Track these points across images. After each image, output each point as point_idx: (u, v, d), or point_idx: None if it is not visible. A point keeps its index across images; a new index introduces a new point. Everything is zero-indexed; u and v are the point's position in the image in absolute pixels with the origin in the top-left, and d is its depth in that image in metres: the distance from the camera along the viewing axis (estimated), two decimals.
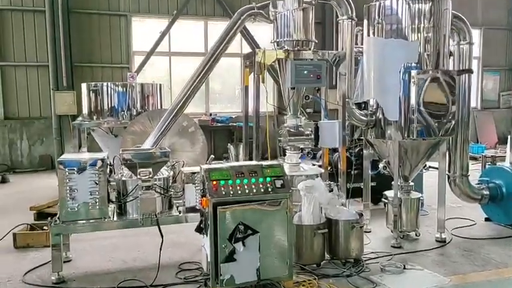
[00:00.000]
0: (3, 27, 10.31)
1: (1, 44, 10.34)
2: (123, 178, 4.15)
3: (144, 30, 11.45)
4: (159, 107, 7.76)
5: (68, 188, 3.83)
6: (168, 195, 4.22)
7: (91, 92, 7.43)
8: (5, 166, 10.42)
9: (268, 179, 3.59)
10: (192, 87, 4.90)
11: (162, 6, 11.27)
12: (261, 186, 3.55)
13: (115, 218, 4.11)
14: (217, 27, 11.90)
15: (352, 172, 5.20)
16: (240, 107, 12.39)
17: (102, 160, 3.92)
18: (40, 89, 10.68)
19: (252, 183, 3.54)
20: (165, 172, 4.29)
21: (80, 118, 7.92)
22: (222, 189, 3.46)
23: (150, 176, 3.95)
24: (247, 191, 3.49)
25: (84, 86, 7.59)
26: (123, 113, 7.44)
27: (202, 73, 4.86)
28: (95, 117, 7.44)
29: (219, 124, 11.51)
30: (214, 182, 3.47)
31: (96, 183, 3.89)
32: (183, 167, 4.59)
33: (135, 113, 7.36)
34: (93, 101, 7.43)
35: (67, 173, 3.83)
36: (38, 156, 10.74)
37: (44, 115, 10.73)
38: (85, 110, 7.60)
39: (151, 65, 11.47)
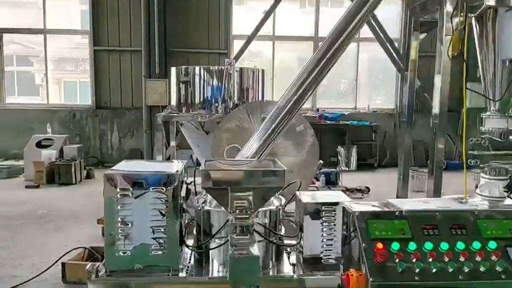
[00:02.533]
0: (97, 9, 9.60)
1: (95, 26, 9.64)
2: (206, 207, 2.56)
3: (245, 13, 10.05)
4: (259, 99, 6.31)
5: (119, 219, 2.34)
6: (277, 242, 2.54)
7: (181, 79, 6.17)
8: (95, 159, 9.76)
9: (492, 243, 1.74)
10: (315, 72, 3.13)
11: None
12: (477, 258, 1.70)
13: (191, 271, 2.54)
14: (330, 9, 10.09)
15: None
16: (352, 102, 10.51)
17: (174, 177, 2.37)
18: (133, 76, 9.84)
19: (459, 250, 1.71)
20: (275, 201, 2.61)
21: (167, 109, 6.71)
22: (396, 260, 1.68)
23: (250, 210, 2.29)
24: (450, 269, 1.67)
25: (173, 70, 6.32)
26: (217, 104, 6.12)
27: (332, 51, 3.04)
28: (184, 109, 6.17)
29: (328, 122, 9.71)
30: (380, 245, 1.70)
31: (162, 213, 2.36)
32: (299, 189, 2.88)
33: (231, 106, 6.00)
34: (182, 90, 6.17)
35: (118, 196, 2.34)
36: (128, 150, 9.92)
37: (136, 105, 9.86)
38: (173, 101, 6.36)
39: (251, 52, 10.03)
